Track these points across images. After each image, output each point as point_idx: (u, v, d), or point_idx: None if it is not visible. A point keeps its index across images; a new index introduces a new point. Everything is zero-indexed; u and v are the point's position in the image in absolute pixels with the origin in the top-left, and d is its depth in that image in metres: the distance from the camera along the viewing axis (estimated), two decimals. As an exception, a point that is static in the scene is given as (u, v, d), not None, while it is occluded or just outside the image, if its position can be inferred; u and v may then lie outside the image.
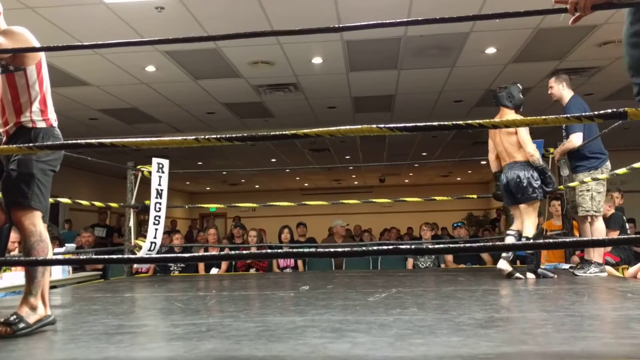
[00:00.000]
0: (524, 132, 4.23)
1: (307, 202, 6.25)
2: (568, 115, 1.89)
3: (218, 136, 1.88)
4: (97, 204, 5.58)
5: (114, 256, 2.63)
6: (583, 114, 1.89)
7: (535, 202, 4.26)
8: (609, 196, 5.30)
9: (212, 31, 5.46)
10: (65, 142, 2.31)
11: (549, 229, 5.84)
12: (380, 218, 15.11)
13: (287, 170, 15.67)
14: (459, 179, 18.28)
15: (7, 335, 2.19)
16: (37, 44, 2.40)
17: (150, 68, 6.62)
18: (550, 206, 5.99)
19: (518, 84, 4.45)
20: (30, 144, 2.20)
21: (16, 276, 4.37)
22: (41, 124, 2.41)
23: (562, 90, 4.52)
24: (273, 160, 13.61)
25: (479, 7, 5.05)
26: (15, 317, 2.24)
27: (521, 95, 4.41)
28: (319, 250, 1.67)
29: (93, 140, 2.02)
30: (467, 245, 1.73)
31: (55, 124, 2.48)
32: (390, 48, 6.14)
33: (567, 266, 5.03)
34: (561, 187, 5.00)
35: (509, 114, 4.35)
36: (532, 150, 4.20)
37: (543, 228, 4.33)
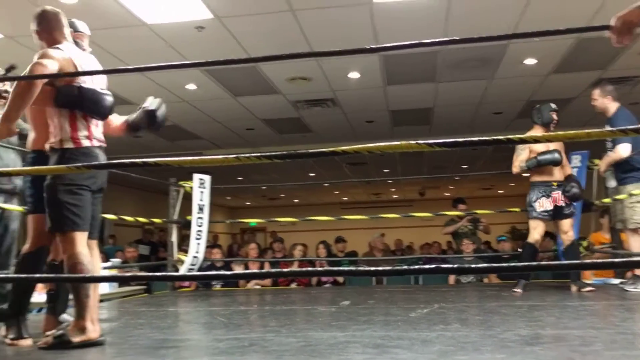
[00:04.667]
0: (517, 149, 4.41)
1: (346, 217, 6.25)
2: (614, 129, 1.85)
3: (259, 154, 1.91)
4: (141, 219, 5.71)
5: (158, 273, 2.68)
6: (629, 127, 1.84)
7: (533, 221, 4.32)
8: None
9: (251, 49, 5.56)
10: (110, 162, 2.39)
11: (596, 242, 5.66)
12: (421, 232, 14.91)
13: (326, 185, 15.69)
14: (501, 191, 17.94)
15: (51, 349, 2.26)
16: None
17: (191, 86, 6.78)
18: (601, 218, 5.81)
19: (552, 104, 4.46)
20: (78, 164, 2.24)
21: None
22: (68, 144, 2.42)
23: (607, 103, 4.40)
24: (312, 174, 13.66)
25: (516, 21, 5.00)
26: (61, 332, 2.31)
27: (552, 115, 4.40)
28: (359, 269, 1.68)
29: (138, 160, 2.08)
30: (511, 265, 1.68)
31: (87, 143, 2.46)
32: (428, 61, 6.12)
33: (617, 281, 4.86)
34: (607, 199, 4.86)
35: (536, 131, 4.39)
36: (513, 168, 4.46)
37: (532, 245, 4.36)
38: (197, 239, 5.38)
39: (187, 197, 5.56)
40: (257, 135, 9.34)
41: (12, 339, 2.44)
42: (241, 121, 8.45)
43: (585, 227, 5.50)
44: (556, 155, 4.20)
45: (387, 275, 5.35)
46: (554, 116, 4.40)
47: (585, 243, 5.24)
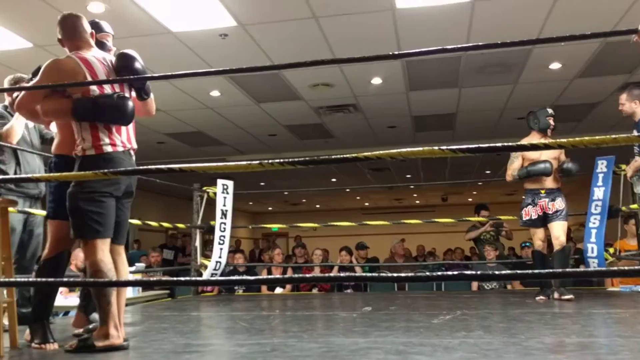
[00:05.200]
0: (511, 156, 4.50)
1: (368, 222, 6.24)
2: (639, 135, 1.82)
3: (282, 160, 1.93)
4: (165, 224, 5.78)
5: (182, 278, 2.71)
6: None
7: (530, 229, 4.42)
8: None
9: (274, 56, 5.60)
10: (136, 168, 2.43)
11: (622, 249, 5.56)
12: (443, 238, 14.80)
13: (348, 190, 15.67)
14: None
15: (76, 352, 2.32)
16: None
17: (215, 93, 6.85)
18: (626, 225, 5.71)
19: (548, 109, 4.49)
20: (104, 170, 2.26)
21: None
22: (90, 152, 2.44)
23: (634, 107, 4.32)
24: (333, 180, 13.67)
25: (540, 24, 4.95)
26: (86, 336, 2.36)
27: (549, 120, 4.43)
28: (381, 275, 1.68)
29: (163, 166, 2.12)
30: (535, 272, 1.68)
31: (109, 149, 2.46)
32: (451, 66, 6.09)
33: (644, 289, 4.78)
34: (634, 205, 4.78)
35: (532, 137, 4.47)
36: (507, 177, 4.54)
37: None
38: (220, 244, 5.42)
39: (211, 203, 5.61)
40: (279, 141, 9.39)
41: (38, 343, 2.48)
42: (264, 127, 8.50)
43: (611, 233, 5.40)
44: (547, 165, 4.23)
45: (409, 281, 5.34)
46: (551, 121, 4.44)
47: (611, 250, 5.16)
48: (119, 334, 2.38)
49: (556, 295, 4.19)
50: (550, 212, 4.32)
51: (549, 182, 4.36)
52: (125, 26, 4.74)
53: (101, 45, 2.79)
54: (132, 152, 2.60)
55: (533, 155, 4.31)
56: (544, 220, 4.36)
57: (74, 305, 4.50)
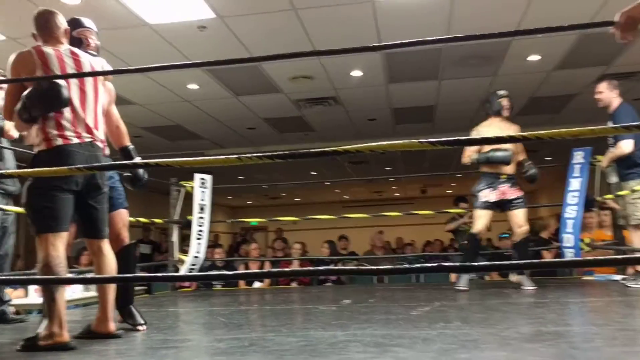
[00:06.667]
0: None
1: (347, 215, 6.24)
2: (618, 125, 1.84)
3: (260, 154, 1.91)
4: (142, 220, 5.71)
5: (159, 274, 2.68)
6: (633, 123, 1.83)
7: (477, 210, 4.40)
8: None
9: (253, 48, 5.56)
10: (113, 163, 2.39)
11: (598, 239, 5.65)
12: (422, 230, 14.89)
13: (327, 183, 15.68)
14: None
15: (22, 351, 2.28)
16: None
17: (193, 86, 6.78)
18: (600, 215, 5.80)
19: (499, 91, 4.54)
20: (80, 166, 2.23)
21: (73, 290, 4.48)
22: (41, 147, 2.39)
23: (612, 97, 4.38)
24: (313, 173, 13.66)
25: (521, 13, 4.98)
26: (34, 334, 2.32)
27: (501, 102, 4.46)
28: (361, 268, 1.68)
29: (139, 161, 2.08)
30: (512, 262, 1.72)
31: (59, 141, 2.37)
32: (430, 58, 6.11)
33: (619, 277, 4.85)
34: (610, 195, 4.85)
35: (491, 121, 4.49)
36: (463, 158, 4.51)
37: (471, 232, 4.39)
38: (198, 238, 5.38)
39: (188, 197, 5.56)
40: (258, 135, 9.34)
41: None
42: (243, 120, 8.45)
43: (587, 223, 5.48)
44: (509, 154, 4.24)
45: (388, 274, 5.36)
46: (504, 102, 4.45)
47: (587, 240, 5.23)
48: (63, 332, 2.29)
49: (513, 278, 4.31)
50: (510, 198, 4.33)
51: (508, 169, 4.36)
52: (101, 19, 4.63)
53: (78, 41, 2.74)
54: (96, 144, 2.49)
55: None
56: (500, 206, 4.36)
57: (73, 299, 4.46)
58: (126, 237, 2.87)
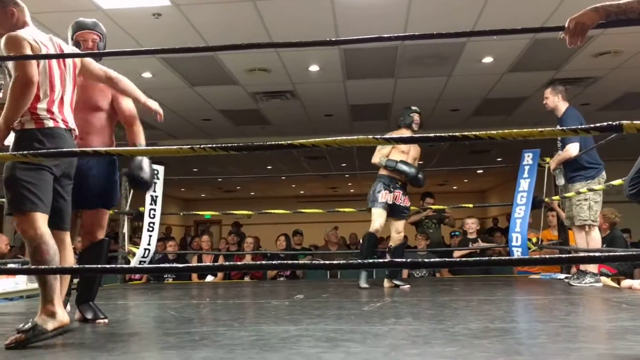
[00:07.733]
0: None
1: (302, 210, 6.25)
2: (566, 128, 1.90)
3: (214, 145, 1.88)
4: (92, 210, 5.54)
5: (108, 266, 2.61)
6: (580, 126, 1.89)
7: (376, 210, 4.56)
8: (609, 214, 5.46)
9: (209, 37, 5.46)
10: (60, 150, 2.29)
11: (545, 239, 5.83)
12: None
13: (283, 178, 15.63)
14: (455, 187, 18.25)
15: (22, 344, 2.12)
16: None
17: (147, 74, 6.62)
18: (547, 216, 5.98)
19: (412, 107, 4.83)
20: (42, 152, 2.18)
21: (6, 282, 4.33)
22: (29, 125, 2.30)
23: (557, 101, 4.53)
24: (269, 167, 13.59)
25: (475, 16, 5.08)
26: (30, 324, 2.16)
27: (413, 117, 4.75)
28: (314, 262, 1.67)
29: (88, 149, 2.01)
30: (462, 260, 1.76)
31: (50, 123, 2.34)
32: (387, 56, 6.15)
33: (563, 276, 5.02)
34: (557, 197, 5.01)
35: (401, 133, 4.73)
36: (373, 158, 4.78)
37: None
38: (149, 230, 5.27)
39: (140, 188, 5.43)
40: (213, 127, 9.21)
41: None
42: (198, 112, 8.31)
43: (534, 223, 5.65)
44: (412, 171, 4.55)
45: (341, 269, 5.39)
46: (415, 117, 4.75)
47: (534, 239, 5.39)
48: (63, 313, 2.26)
49: (386, 284, 4.53)
50: (401, 204, 4.59)
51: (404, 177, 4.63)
52: (52, 1, 4.49)
53: (77, 45, 2.99)
54: (74, 133, 2.47)
55: (402, 147, 4.60)
56: (391, 208, 4.58)
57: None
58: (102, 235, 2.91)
